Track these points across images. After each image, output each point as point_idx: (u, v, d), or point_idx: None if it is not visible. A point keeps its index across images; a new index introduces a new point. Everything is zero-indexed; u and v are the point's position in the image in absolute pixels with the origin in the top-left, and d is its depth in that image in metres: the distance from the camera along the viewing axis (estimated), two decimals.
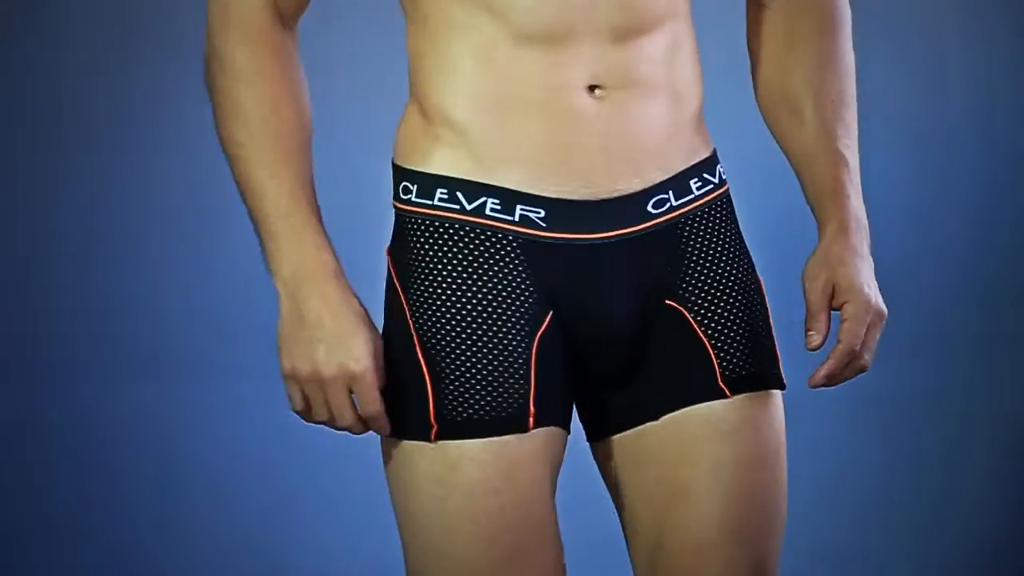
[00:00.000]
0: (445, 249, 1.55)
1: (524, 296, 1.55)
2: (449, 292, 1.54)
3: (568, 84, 1.54)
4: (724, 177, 1.65)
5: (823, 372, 1.61)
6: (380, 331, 1.57)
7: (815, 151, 1.66)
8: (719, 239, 1.63)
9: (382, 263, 1.62)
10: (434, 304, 1.55)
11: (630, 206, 1.57)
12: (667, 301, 1.60)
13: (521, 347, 1.54)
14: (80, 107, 2.99)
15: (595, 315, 1.58)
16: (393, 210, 1.61)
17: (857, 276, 1.61)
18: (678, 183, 1.60)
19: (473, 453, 1.53)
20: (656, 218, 1.59)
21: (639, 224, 1.58)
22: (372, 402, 1.52)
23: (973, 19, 3.27)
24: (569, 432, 1.60)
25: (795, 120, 1.68)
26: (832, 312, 1.63)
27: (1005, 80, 3.28)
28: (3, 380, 2.99)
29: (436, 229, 1.56)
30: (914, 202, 3.27)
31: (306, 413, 1.56)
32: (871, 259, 1.64)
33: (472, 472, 1.52)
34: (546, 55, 1.54)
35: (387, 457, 1.57)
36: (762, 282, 1.67)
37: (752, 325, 1.62)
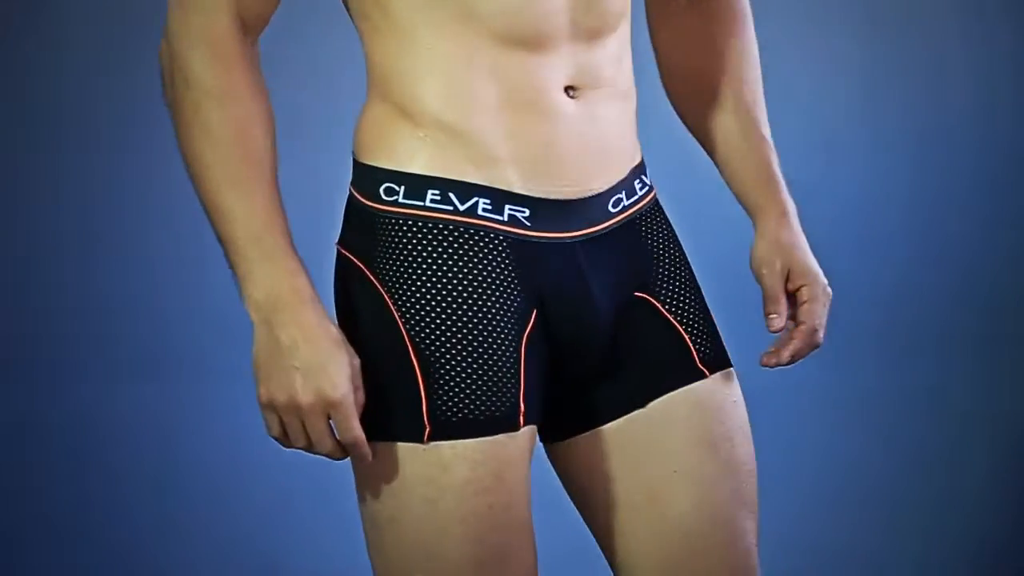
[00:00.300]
0: (440, 250, 1.54)
1: (512, 295, 1.55)
2: (443, 293, 1.53)
3: (549, 85, 1.56)
4: (650, 178, 1.70)
5: (788, 352, 1.69)
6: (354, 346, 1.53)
7: (741, 138, 1.74)
8: (665, 234, 1.68)
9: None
10: (427, 305, 1.53)
11: (596, 205, 1.61)
12: (636, 293, 1.64)
13: (512, 346, 1.54)
14: (80, 107, 3.00)
15: (580, 312, 1.59)
16: (358, 209, 1.58)
17: (809, 260, 1.70)
18: (627, 183, 1.64)
19: (466, 453, 1.52)
20: (614, 216, 1.62)
21: (603, 222, 1.61)
22: (351, 428, 1.49)
23: (973, 18, 3.28)
24: (551, 437, 1.66)
25: (716, 107, 1.75)
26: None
27: (1005, 80, 3.29)
28: (3, 380, 2.99)
29: (429, 230, 1.54)
30: (914, 202, 3.27)
31: (283, 439, 1.53)
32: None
33: (464, 472, 1.51)
34: (529, 57, 1.54)
35: (366, 460, 1.53)
36: None
37: (705, 310, 1.69)
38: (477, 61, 1.54)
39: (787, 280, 1.70)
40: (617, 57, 1.61)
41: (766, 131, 1.75)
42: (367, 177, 1.57)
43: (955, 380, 3.31)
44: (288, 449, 1.53)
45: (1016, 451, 3.34)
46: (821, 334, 1.70)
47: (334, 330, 1.50)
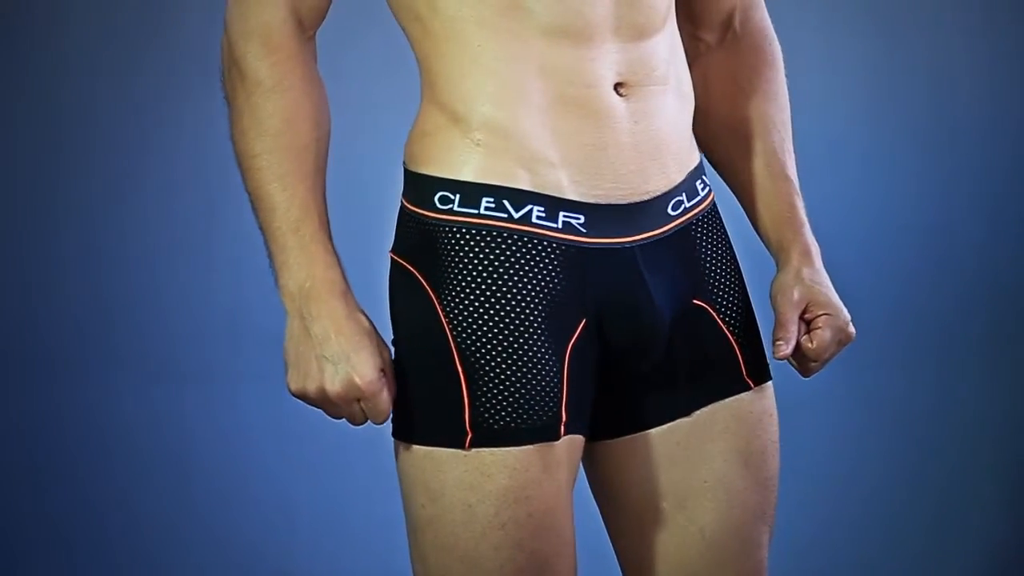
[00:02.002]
0: (492, 258, 1.54)
1: (559, 304, 1.55)
2: (491, 301, 1.53)
3: (599, 81, 1.55)
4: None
5: (782, 351, 1.68)
6: (388, 341, 1.57)
7: (767, 179, 1.74)
8: (721, 239, 1.68)
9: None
10: (474, 313, 1.53)
11: (655, 208, 1.60)
12: (695, 300, 1.63)
13: (555, 356, 1.54)
14: (80, 107, 2.99)
15: (639, 318, 1.59)
16: (411, 218, 1.59)
17: (832, 295, 1.70)
18: (689, 184, 1.63)
19: (507, 461, 1.52)
20: (674, 220, 1.62)
21: (662, 227, 1.61)
22: (380, 414, 1.54)
23: (978, 19, 3.27)
24: (587, 438, 1.62)
25: (744, 149, 1.75)
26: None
27: (1011, 82, 3.28)
28: (7, 382, 2.99)
29: (483, 238, 1.54)
30: (919, 204, 3.26)
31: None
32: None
33: (504, 480, 1.52)
34: (576, 52, 1.54)
35: (409, 463, 1.56)
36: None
37: (752, 320, 1.69)
38: (525, 57, 1.53)
39: (805, 311, 1.69)
40: (668, 56, 1.60)
41: (792, 174, 1.75)
42: (421, 186, 1.57)
43: (959, 383, 3.31)
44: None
45: (1020, 453, 3.34)
46: (815, 365, 1.70)
47: (365, 321, 1.53)
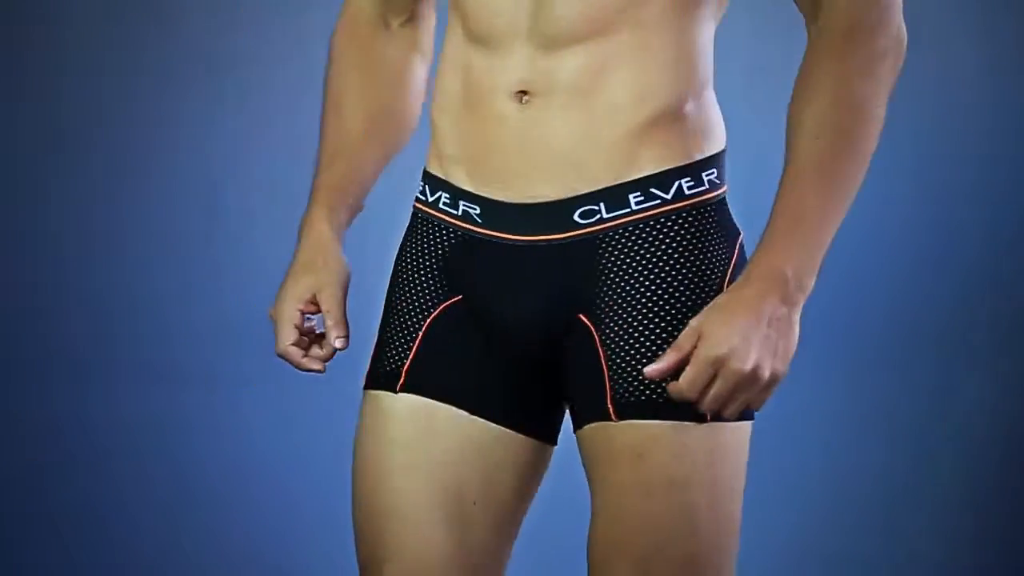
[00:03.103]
0: (412, 235, 1.70)
1: (439, 279, 1.66)
2: (401, 269, 1.70)
3: (499, 87, 1.58)
4: (691, 192, 1.59)
5: (650, 370, 1.50)
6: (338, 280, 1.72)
7: (782, 189, 1.52)
8: (655, 258, 1.58)
9: None
10: (394, 278, 1.71)
11: (554, 213, 1.59)
12: (580, 315, 1.60)
13: (416, 323, 1.66)
14: (80, 107, 2.99)
15: (499, 313, 1.63)
16: None
17: (718, 328, 1.46)
18: (612, 195, 1.58)
19: (365, 400, 1.69)
20: (582, 228, 1.59)
21: (563, 232, 1.59)
22: (278, 341, 1.70)
23: (979, 18, 3.27)
24: (477, 412, 1.65)
25: (785, 152, 1.56)
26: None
27: (1011, 81, 3.28)
28: (7, 383, 2.99)
29: (415, 219, 1.70)
30: (919, 204, 3.26)
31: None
32: (776, 316, 1.48)
33: (364, 418, 1.69)
34: (488, 58, 1.59)
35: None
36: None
37: (656, 353, 1.55)
38: (456, 59, 1.63)
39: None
40: (597, 68, 1.55)
41: (806, 188, 1.51)
42: None
43: (958, 383, 3.31)
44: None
45: (1018, 454, 3.33)
46: (705, 404, 1.48)
47: (320, 259, 1.70)
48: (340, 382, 2.98)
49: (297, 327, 1.69)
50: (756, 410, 1.54)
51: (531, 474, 1.68)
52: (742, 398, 1.48)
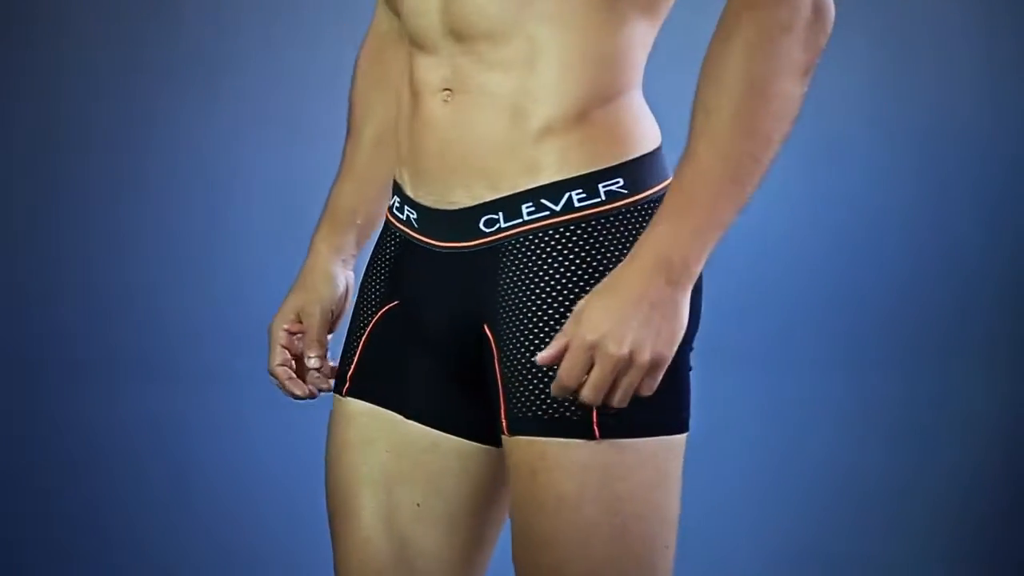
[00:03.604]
0: (378, 240, 1.71)
1: (384, 283, 1.67)
2: (365, 273, 1.71)
3: (429, 86, 1.57)
4: (581, 205, 1.53)
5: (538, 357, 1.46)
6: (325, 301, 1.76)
7: (678, 164, 1.46)
8: (547, 271, 1.53)
9: None
10: (360, 284, 1.72)
11: (465, 220, 1.56)
12: (485, 325, 1.57)
13: (362, 329, 1.68)
14: (80, 107, 2.98)
15: (426, 320, 1.62)
16: None
17: (594, 312, 1.42)
18: (510, 204, 1.54)
19: (334, 402, 1.71)
20: (486, 237, 1.56)
21: (472, 240, 1.56)
22: (268, 361, 1.75)
23: (980, 19, 3.26)
24: (414, 418, 1.64)
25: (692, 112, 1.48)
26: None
27: (1012, 83, 3.28)
28: (7, 382, 2.99)
29: (384, 222, 1.71)
30: (919, 204, 3.26)
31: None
32: (656, 298, 1.42)
33: (330, 418, 1.71)
34: (422, 57, 1.58)
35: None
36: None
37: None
38: (404, 62, 1.65)
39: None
40: (507, 66, 1.51)
41: (695, 162, 1.43)
42: None
43: (959, 383, 3.30)
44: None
45: (1018, 454, 3.33)
46: (586, 393, 1.42)
47: (309, 279, 1.76)
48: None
49: (285, 347, 1.74)
50: (645, 394, 1.43)
51: (486, 480, 1.64)
52: (624, 383, 1.41)
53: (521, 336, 1.53)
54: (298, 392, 1.75)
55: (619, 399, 1.42)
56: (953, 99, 3.26)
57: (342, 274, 1.78)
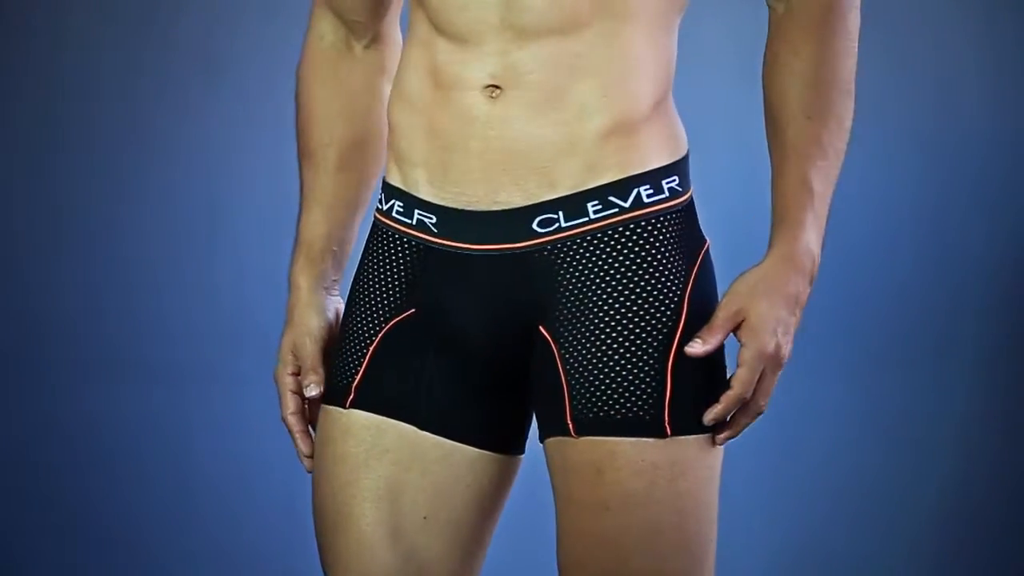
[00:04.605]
0: (369, 247, 1.65)
1: (393, 291, 1.61)
2: (357, 282, 1.66)
3: (469, 81, 1.52)
4: (650, 201, 1.54)
5: (711, 415, 1.53)
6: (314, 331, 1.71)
7: (783, 169, 1.55)
8: (614, 269, 1.53)
9: None
10: (350, 293, 1.67)
11: (514, 221, 1.53)
12: (541, 326, 1.55)
13: (368, 338, 1.62)
14: (80, 107, 2.98)
15: (458, 326, 1.58)
16: None
17: (767, 318, 1.50)
18: (572, 203, 1.52)
19: (321, 413, 1.66)
20: (541, 237, 1.54)
21: (522, 241, 1.54)
22: (281, 409, 1.73)
23: (981, 20, 3.27)
24: (428, 428, 1.62)
25: (774, 133, 1.58)
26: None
27: (1013, 84, 3.28)
28: (9, 383, 2.98)
29: (373, 229, 1.66)
30: (919, 206, 3.26)
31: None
32: (802, 299, 1.53)
33: (319, 432, 1.66)
34: (458, 51, 1.53)
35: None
36: (683, 326, 1.54)
37: (631, 369, 1.53)
38: (420, 56, 1.57)
39: (739, 326, 1.53)
40: (568, 65, 1.50)
41: (814, 167, 1.55)
42: None
43: (958, 383, 3.31)
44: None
45: (1017, 454, 3.33)
46: (762, 402, 1.53)
47: (296, 315, 1.70)
48: None
49: (295, 392, 1.71)
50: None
51: (493, 487, 1.64)
52: (773, 384, 1.53)
53: (591, 335, 1.53)
54: (304, 451, 1.71)
55: (767, 401, 1.53)
56: (953, 99, 3.26)
57: (328, 301, 1.73)
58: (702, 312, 1.54)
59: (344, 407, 1.63)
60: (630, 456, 1.51)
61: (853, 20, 1.58)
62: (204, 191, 3.00)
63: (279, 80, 3.04)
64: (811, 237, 1.53)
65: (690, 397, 1.53)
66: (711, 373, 1.55)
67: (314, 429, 1.70)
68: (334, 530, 1.63)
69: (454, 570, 1.64)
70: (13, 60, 2.96)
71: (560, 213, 1.53)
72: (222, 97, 3.01)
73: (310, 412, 1.71)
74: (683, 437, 1.52)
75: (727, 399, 1.52)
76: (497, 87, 1.51)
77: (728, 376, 1.55)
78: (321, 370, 1.69)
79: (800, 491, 3.26)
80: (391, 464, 1.61)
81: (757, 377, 1.51)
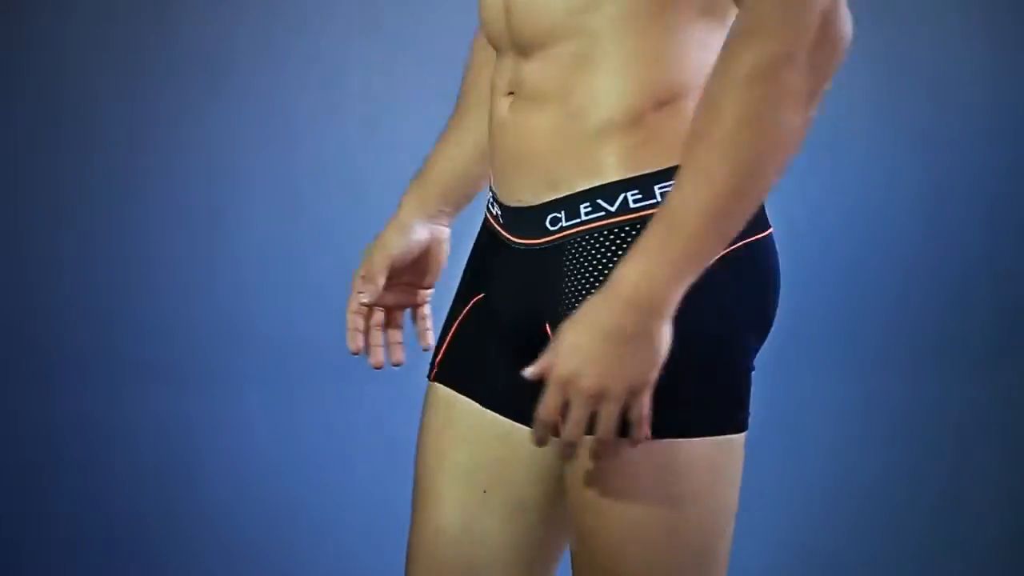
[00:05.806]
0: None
1: (475, 275, 1.72)
2: (465, 265, 1.76)
3: (498, 90, 1.63)
4: (638, 206, 1.53)
5: (535, 435, 1.49)
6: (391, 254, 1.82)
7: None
8: (597, 271, 1.54)
9: None
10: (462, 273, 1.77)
11: (533, 218, 1.60)
12: (547, 324, 1.57)
13: (452, 319, 1.73)
14: (81, 107, 2.98)
15: (502, 314, 1.66)
16: None
17: (566, 344, 1.43)
18: (569, 204, 1.56)
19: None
20: (552, 235, 1.58)
21: (540, 238, 1.60)
22: (348, 304, 1.84)
23: (981, 18, 3.27)
24: (489, 406, 1.68)
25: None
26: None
27: (1013, 83, 3.28)
28: (9, 383, 2.99)
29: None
30: (919, 206, 3.26)
31: None
32: (628, 329, 1.42)
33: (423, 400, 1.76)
34: (497, 62, 1.64)
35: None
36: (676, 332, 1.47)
37: None
38: (489, 67, 1.72)
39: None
40: (563, 69, 1.54)
41: (687, 206, 1.40)
42: None
43: (958, 383, 3.31)
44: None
45: (1018, 454, 3.33)
46: (568, 431, 1.45)
47: (379, 239, 1.82)
48: (339, 382, 2.99)
49: (360, 292, 1.81)
50: (634, 420, 1.45)
51: (555, 468, 1.65)
52: (603, 415, 1.43)
53: None
54: (350, 344, 1.82)
55: (602, 431, 1.44)
56: (953, 99, 3.26)
57: (422, 227, 1.83)
58: (682, 322, 1.45)
59: (431, 379, 1.74)
60: (609, 455, 1.51)
61: (782, 49, 1.39)
62: (204, 191, 3.00)
63: (280, 80, 3.05)
64: (645, 274, 1.41)
65: (669, 400, 1.48)
66: (703, 375, 1.53)
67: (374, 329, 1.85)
68: (419, 492, 1.73)
69: (511, 554, 1.69)
70: (13, 60, 2.96)
71: (563, 213, 1.57)
72: (222, 97, 3.01)
73: (373, 315, 1.84)
74: (670, 440, 1.51)
75: (536, 418, 1.47)
76: (514, 94, 1.60)
77: (732, 380, 1.56)
78: (380, 281, 1.80)
79: (800, 491, 3.26)
80: (458, 437, 1.69)
81: (559, 403, 1.45)
